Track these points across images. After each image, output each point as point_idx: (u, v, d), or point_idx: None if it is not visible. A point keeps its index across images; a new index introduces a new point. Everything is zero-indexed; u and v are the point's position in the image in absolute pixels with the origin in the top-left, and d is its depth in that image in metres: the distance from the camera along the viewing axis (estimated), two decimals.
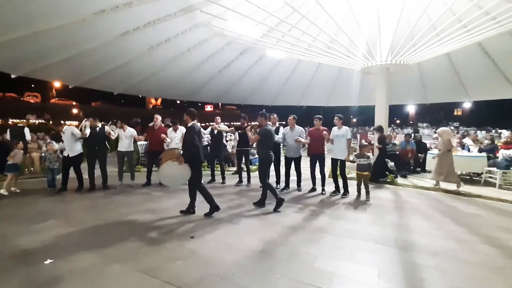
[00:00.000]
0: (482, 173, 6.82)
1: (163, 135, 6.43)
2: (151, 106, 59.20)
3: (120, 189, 6.21)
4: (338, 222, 4.15)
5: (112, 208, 4.81)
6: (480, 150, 7.43)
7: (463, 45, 7.67)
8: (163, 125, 7.15)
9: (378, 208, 4.92)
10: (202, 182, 4.58)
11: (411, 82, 12.40)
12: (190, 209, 4.43)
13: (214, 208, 4.36)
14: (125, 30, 7.44)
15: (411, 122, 43.37)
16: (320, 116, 5.99)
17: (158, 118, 6.78)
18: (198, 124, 4.59)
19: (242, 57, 10.86)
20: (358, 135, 13.19)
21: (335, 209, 4.87)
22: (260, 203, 4.89)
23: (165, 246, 3.27)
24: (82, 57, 8.10)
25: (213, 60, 10.53)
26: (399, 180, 6.99)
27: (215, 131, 6.88)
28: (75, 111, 37.58)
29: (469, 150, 7.57)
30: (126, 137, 6.45)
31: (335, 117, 5.80)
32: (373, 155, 9.18)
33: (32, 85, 44.86)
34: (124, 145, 6.47)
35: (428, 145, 8.53)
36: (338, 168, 5.74)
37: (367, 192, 5.42)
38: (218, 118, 7.16)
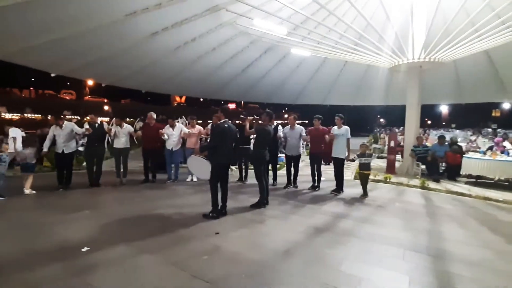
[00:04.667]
0: None
1: (161, 131, 6.45)
2: (175, 104, 61.03)
3: (146, 184, 6.37)
4: (365, 226, 4.02)
5: (139, 202, 5.03)
6: None
7: (503, 42, 7.09)
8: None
9: (408, 213, 4.71)
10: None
11: (445, 81, 11.70)
12: (222, 210, 4.32)
13: (213, 212, 4.17)
14: (154, 30, 7.71)
15: (443, 123, 40.99)
16: (320, 116, 6.21)
17: (153, 116, 6.78)
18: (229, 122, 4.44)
19: (266, 55, 10.85)
20: (387, 137, 12.62)
21: (360, 211, 4.73)
22: (259, 204, 4.74)
23: (192, 241, 3.35)
24: (114, 57, 8.51)
25: (237, 59, 10.61)
26: (431, 184, 6.62)
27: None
28: (106, 108, 39.63)
29: (508, 154, 6.98)
30: (123, 134, 6.31)
31: (336, 117, 5.93)
32: (402, 157, 8.83)
33: (68, 83, 48.02)
34: (121, 142, 6.30)
35: (464, 148, 8.00)
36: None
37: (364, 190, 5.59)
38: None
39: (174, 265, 2.75)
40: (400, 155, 9.10)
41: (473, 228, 4.10)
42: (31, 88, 48.89)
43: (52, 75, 8.92)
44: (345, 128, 5.79)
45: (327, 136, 5.85)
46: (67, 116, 7.86)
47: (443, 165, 7.76)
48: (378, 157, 12.74)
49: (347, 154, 5.78)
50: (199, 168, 4.52)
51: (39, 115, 33.30)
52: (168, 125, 6.71)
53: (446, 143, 8.14)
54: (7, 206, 4.65)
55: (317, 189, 6.06)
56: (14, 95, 44.07)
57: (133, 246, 3.16)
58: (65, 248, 3.09)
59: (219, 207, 4.26)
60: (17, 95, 45.31)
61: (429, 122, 45.52)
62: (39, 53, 7.51)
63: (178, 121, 8.35)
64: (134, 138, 6.82)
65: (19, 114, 33.31)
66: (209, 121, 11.15)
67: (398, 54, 7.74)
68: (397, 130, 17.07)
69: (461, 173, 7.23)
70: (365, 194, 5.57)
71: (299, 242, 3.40)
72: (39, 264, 2.74)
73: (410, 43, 7.48)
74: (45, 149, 5.78)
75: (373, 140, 16.75)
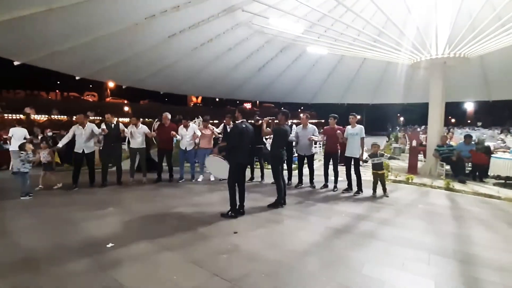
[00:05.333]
0: None
1: (173, 132, 6.52)
2: (192, 104, 62.06)
3: (162, 183, 6.50)
4: (386, 228, 3.90)
5: (159, 200, 5.17)
6: None
7: None
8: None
9: (433, 216, 4.52)
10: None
11: (471, 77, 11.12)
12: (240, 209, 4.34)
13: (232, 211, 4.20)
14: (172, 32, 7.85)
15: (468, 121, 39.04)
16: (336, 115, 6.13)
17: (168, 116, 6.81)
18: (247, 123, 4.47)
19: (281, 54, 10.77)
20: (407, 136, 12.18)
21: (380, 212, 4.60)
22: (276, 204, 4.75)
23: (211, 239, 3.40)
24: (134, 59, 8.76)
25: (253, 59, 10.61)
26: (457, 185, 6.33)
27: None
28: (126, 108, 40.92)
29: None
30: (138, 134, 6.44)
31: (350, 116, 5.87)
32: (425, 157, 8.50)
33: (90, 86, 50.03)
34: (137, 142, 6.46)
35: (492, 148, 7.58)
36: (352, 166, 5.81)
37: (385, 189, 5.57)
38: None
39: (194, 263, 2.80)
40: (422, 155, 8.77)
41: (502, 231, 3.88)
42: (57, 91, 51.36)
43: (77, 78, 9.33)
44: (360, 127, 5.73)
45: (339, 132, 5.80)
46: (90, 117, 8.12)
47: (469, 165, 7.40)
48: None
49: (361, 153, 5.68)
50: (217, 168, 4.59)
51: (65, 117, 34.92)
52: (182, 126, 6.82)
53: (473, 143, 7.75)
54: (35, 204, 4.90)
55: (335, 189, 5.98)
56: (41, 98, 46.46)
57: (155, 243, 3.25)
58: (92, 244, 3.23)
59: (237, 207, 4.28)
60: (44, 97, 47.73)
61: (453, 120, 43.64)
62: (65, 58, 7.86)
63: (194, 122, 8.48)
64: (152, 138, 6.97)
65: (47, 116, 35.08)
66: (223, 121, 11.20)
67: (420, 50, 7.45)
68: (419, 129, 16.44)
69: (489, 174, 6.87)
70: (382, 192, 5.54)
71: (318, 243, 3.36)
72: (68, 258, 2.88)
73: (434, 38, 7.17)
74: (59, 145, 5.96)
75: (393, 139, 16.24)
